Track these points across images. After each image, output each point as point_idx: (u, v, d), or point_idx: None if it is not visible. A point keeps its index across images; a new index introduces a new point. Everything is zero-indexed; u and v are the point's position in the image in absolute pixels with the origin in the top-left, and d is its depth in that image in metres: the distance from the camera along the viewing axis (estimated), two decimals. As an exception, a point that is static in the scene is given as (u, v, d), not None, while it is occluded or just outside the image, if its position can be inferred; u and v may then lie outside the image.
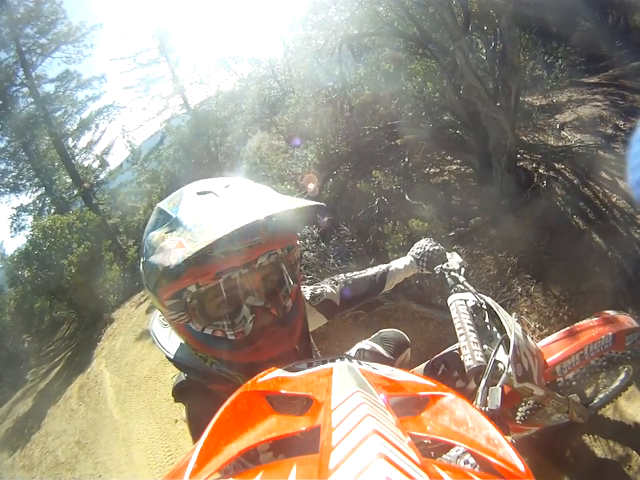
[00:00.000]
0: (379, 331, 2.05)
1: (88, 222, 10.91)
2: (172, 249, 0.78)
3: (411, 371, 1.49)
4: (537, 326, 3.03)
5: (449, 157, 4.63)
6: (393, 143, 4.85)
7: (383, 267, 1.63)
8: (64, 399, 7.21)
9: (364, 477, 0.35)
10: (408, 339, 2.00)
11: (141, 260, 0.90)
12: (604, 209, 3.68)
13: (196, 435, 0.97)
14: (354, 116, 4.82)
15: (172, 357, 1.03)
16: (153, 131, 17.05)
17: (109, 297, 10.48)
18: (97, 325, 9.81)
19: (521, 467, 0.44)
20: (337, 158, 4.84)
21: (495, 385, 1.16)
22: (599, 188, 3.88)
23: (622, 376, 2.12)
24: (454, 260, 1.60)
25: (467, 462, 0.86)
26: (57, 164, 15.84)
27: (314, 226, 3.88)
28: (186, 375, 1.04)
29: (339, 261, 3.61)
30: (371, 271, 1.61)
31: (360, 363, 0.72)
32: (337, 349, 3.45)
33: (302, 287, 1.43)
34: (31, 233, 10.40)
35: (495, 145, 3.73)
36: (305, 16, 7.69)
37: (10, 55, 14.46)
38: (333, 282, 1.52)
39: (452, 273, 1.52)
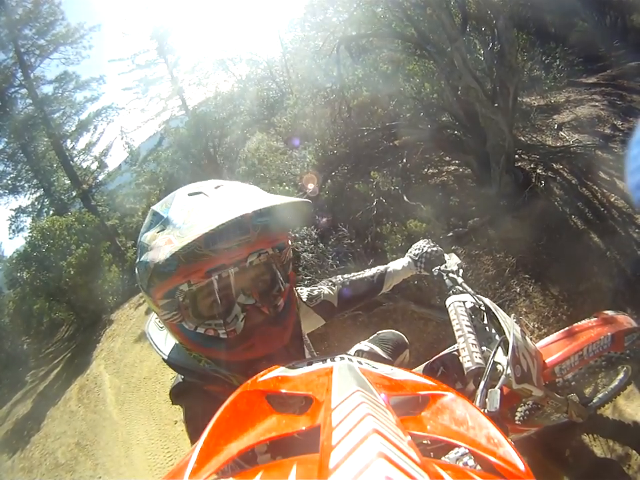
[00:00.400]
0: (378, 332, 2.04)
1: (87, 223, 10.91)
2: (162, 246, 0.80)
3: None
4: (536, 326, 3.03)
5: (447, 158, 4.63)
6: (391, 144, 4.85)
7: (381, 268, 1.63)
8: (63, 400, 7.21)
9: (364, 477, 0.35)
10: (406, 340, 2.00)
11: (136, 261, 0.91)
12: (602, 209, 3.68)
13: (194, 436, 0.97)
14: (352, 117, 4.81)
15: (168, 358, 1.03)
16: (151, 132, 17.05)
17: (108, 298, 10.47)
18: (96, 326, 9.81)
19: (521, 466, 0.44)
20: (335, 159, 4.84)
21: (494, 386, 1.15)
22: (597, 188, 3.88)
23: (621, 375, 2.12)
24: (452, 261, 1.59)
25: (466, 464, 0.86)
26: (55, 165, 15.84)
27: (312, 227, 3.88)
28: (182, 377, 1.05)
29: (338, 262, 3.61)
30: (369, 272, 1.60)
31: (360, 362, 0.72)
32: (335, 350, 3.44)
33: (299, 288, 1.44)
34: (30, 234, 10.40)
35: (493, 145, 3.73)
36: (303, 17, 7.70)
37: (8, 56, 14.48)
38: (330, 283, 1.51)
39: (450, 274, 1.52)
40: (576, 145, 4.61)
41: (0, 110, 14.40)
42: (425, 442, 1.03)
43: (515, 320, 1.42)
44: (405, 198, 3.98)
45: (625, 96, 5.85)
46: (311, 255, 3.69)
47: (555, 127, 5.07)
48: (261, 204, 0.81)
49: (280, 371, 0.70)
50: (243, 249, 0.87)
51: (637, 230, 3.50)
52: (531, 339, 1.56)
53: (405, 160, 4.49)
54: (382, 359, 1.81)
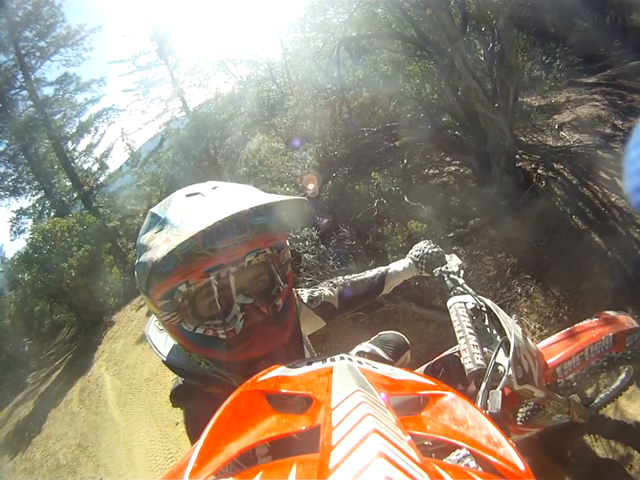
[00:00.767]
0: (379, 333, 2.04)
1: (88, 225, 10.91)
2: (159, 245, 0.80)
3: None
4: (537, 326, 3.03)
5: (447, 158, 4.63)
6: (391, 144, 4.85)
7: (382, 269, 1.62)
8: (65, 402, 7.21)
9: (364, 477, 0.35)
10: (408, 341, 2.00)
11: (135, 263, 0.91)
12: (603, 209, 3.68)
13: (194, 438, 0.97)
14: (352, 118, 4.82)
15: (168, 360, 1.03)
16: (152, 133, 17.05)
17: (109, 300, 10.47)
18: (98, 327, 9.82)
19: (521, 466, 0.44)
20: (335, 160, 4.84)
21: (495, 387, 1.15)
22: (597, 188, 3.88)
23: (622, 376, 2.12)
24: (453, 262, 1.59)
25: (467, 465, 0.86)
26: (56, 167, 15.83)
27: (313, 228, 3.89)
28: (183, 379, 1.05)
29: (339, 263, 3.61)
30: (369, 273, 1.60)
31: (360, 362, 0.71)
32: (337, 351, 3.44)
33: (300, 289, 1.43)
34: (31, 236, 10.41)
35: (493, 145, 3.73)
36: (303, 18, 7.69)
37: (9, 58, 14.49)
38: (331, 284, 1.51)
39: (451, 275, 1.52)
40: (576, 144, 4.61)
41: (1, 112, 14.40)
42: (426, 443, 1.03)
43: (516, 321, 1.42)
44: (405, 198, 3.98)
45: (626, 95, 5.85)
46: (312, 256, 3.69)
47: (556, 127, 5.07)
48: (257, 201, 0.82)
49: (280, 371, 0.70)
50: (241, 248, 0.87)
51: (637, 230, 3.49)
52: (532, 340, 1.56)
53: (405, 160, 4.49)
54: (383, 360, 1.81)
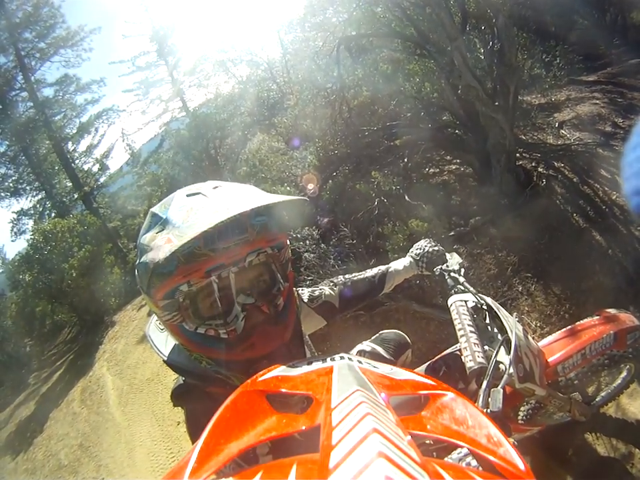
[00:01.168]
0: (380, 332, 2.04)
1: (88, 225, 10.91)
2: (161, 246, 0.80)
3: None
4: (538, 325, 3.03)
5: (448, 157, 4.63)
6: (392, 143, 4.85)
7: (383, 268, 1.62)
8: (66, 402, 7.22)
9: (364, 476, 0.35)
10: (409, 340, 2.00)
11: (136, 263, 0.92)
12: (604, 207, 3.68)
13: (195, 438, 0.96)
14: (352, 117, 4.82)
15: (169, 360, 1.04)
16: (152, 134, 16.99)
17: (110, 300, 10.47)
18: (99, 328, 9.82)
19: (521, 465, 0.44)
20: (336, 159, 4.84)
21: (497, 386, 1.15)
22: (598, 186, 3.88)
23: (624, 374, 2.11)
24: (454, 260, 1.59)
25: (469, 464, 0.86)
26: (57, 168, 15.84)
27: (314, 227, 3.89)
28: (183, 379, 1.05)
29: (339, 262, 3.61)
30: (370, 272, 1.60)
31: (360, 362, 0.71)
32: (338, 350, 3.43)
33: (300, 289, 1.43)
34: (32, 237, 10.41)
35: (493, 144, 3.73)
36: (303, 17, 7.69)
37: (9, 60, 14.48)
38: (332, 284, 1.51)
39: (452, 274, 1.52)
40: (577, 143, 4.61)
41: (1, 113, 14.40)
42: (427, 442, 1.03)
43: (517, 319, 1.42)
44: (406, 197, 3.98)
45: (626, 93, 5.84)
46: (312, 255, 3.69)
47: (556, 126, 5.06)
48: (258, 202, 0.82)
49: (280, 371, 0.70)
50: (242, 248, 0.88)
51: (638, 228, 3.49)
52: (533, 338, 1.56)
53: (406, 159, 4.49)
54: (384, 359, 1.81)
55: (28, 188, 15.46)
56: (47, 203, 15.64)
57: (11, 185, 15.16)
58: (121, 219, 14.78)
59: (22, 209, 15.30)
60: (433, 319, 3.39)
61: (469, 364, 1.20)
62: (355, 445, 0.40)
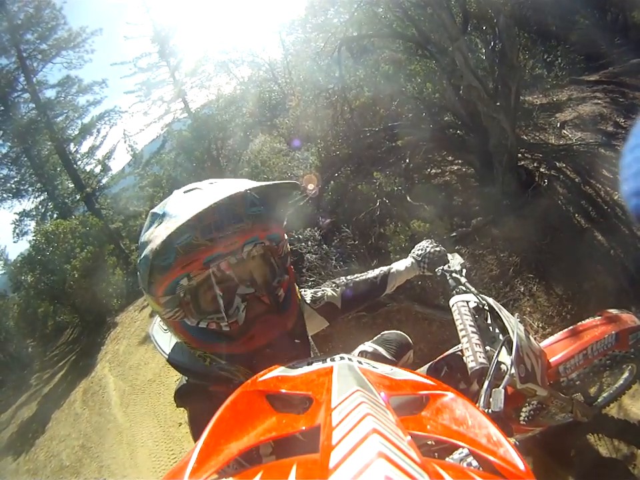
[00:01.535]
0: (381, 333, 2.04)
1: (90, 227, 10.94)
2: (158, 235, 0.82)
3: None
4: (540, 325, 3.03)
5: (450, 158, 4.62)
6: (393, 144, 4.85)
7: (384, 268, 1.62)
8: (68, 403, 7.23)
9: (364, 476, 0.35)
10: (410, 341, 2.00)
11: (137, 262, 0.93)
12: (606, 207, 3.67)
13: (198, 438, 0.97)
14: (354, 118, 4.82)
15: (172, 360, 1.04)
16: (154, 135, 16.96)
17: (112, 301, 10.49)
18: (101, 329, 9.83)
19: (521, 466, 0.44)
20: (337, 160, 4.85)
21: (498, 386, 1.15)
22: (600, 186, 3.87)
23: (626, 374, 2.11)
24: (455, 261, 1.59)
25: (469, 465, 0.86)
26: (59, 169, 15.88)
27: (316, 228, 3.89)
28: (187, 379, 1.05)
29: (341, 263, 3.61)
30: (372, 273, 1.60)
31: (360, 362, 0.72)
32: (340, 351, 3.43)
33: (303, 290, 1.44)
34: (34, 238, 10.43)
35: (495, 144, 3.72)
36: (304, 18, 7.71)
37: (11, 61, 14.51)
38: (334, 285, 1.51)
39: (453, 274, 1.52)
40: (579, 143, 4.60)
41: (3, 114, 14.44)
42: (429, 442, 1.03)
43: (518, 319, 1.41)
44: (408, 198, 3.98)
45: (627, 93, 5.84)
46: (314, 256, 3.69)
47: (558, 126, 5.06)
48: (250, 185, 0.87)
49: (280, 371, 0.70)
50: (238, 237, 0.89)
51: (640, 228, 3.50)
52: (535, 339, 1.55)
53: (407, 160, 4.49)
54: (386, 360, 1.81)
55: (30, 189, 15.51)
56: (49, 204, 15.69)
57: (13, 186, 15.21)
58: (123, 220, 14.77)
59: (24, 210, 15.36)
60: (434, 319, 3.38)
61: (471, 364, 1.20)
62: (354, 445, 0.40)
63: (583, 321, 1.84)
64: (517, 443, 0.60)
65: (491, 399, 1.11)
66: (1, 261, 14.02)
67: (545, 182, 3.92)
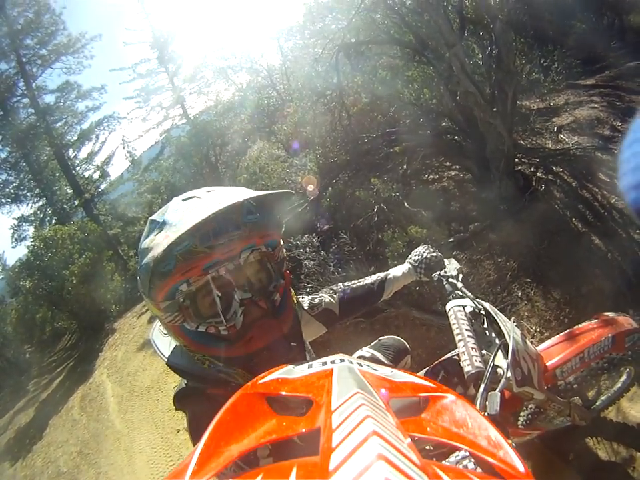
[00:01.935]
0: (379, 338, 2.05)
1: (89, 232, 10.93)
2: (159, 243, 0.86)
3: None
4: (538, 330, 3.03)
5: (447, 163, 4.63)
6: (391, 150, 4.85)
7: (382, 274, 1.64)
8: (66, 409, 7.20)
9: (363, 479, 0.35)
10: (408, 346, 2.01)
11: (138, 268, 0.96)
12: (603, 211, 3.69)
13: (197, 441, 0.98)
14: (352, 124, 4.84)
15: (171, 363, 1.06)
16: (153, 141, 17.04)
17: (111, 307, 10.47)
18: (99, 335, 9.80)
19: (521, 467, 0.45)
20: (335, 166, 4.86)
21: (495, 389, 1.15)
22: (597, 190, 3.89)
23: (624, 377, 2.11)
24: (452, 266, 1.61)
25: (465, 467, 0.86)
26: (57, 175, 15.88)
27: (314, 234, 3.90)
28: (186, 382, 1.07)
29: (339, 269, 3.62)
30: (369, 279, 1.61)
31: (360, 364, 0.72)
32: (338, 356, 3.42)
33: (301, 297, 1.46)
34: (32, 243, 10.43)
35: (492, 149, 3.74)
36: (302, 25, 7.74)
37: (10, 66, 14.56)
38: (331, 291, 1.53)
39: (450, 279, 1.53)
40: (575, 147, 4.62)
41: (2, 119, 14.47)
42: (427, 447, 1.03)
43: (515, 324, 1.42)
44: (405, 204, 3.99)
45: (624, 97, 5.87)
46: (312, 262, 3.70)
47: (555, 130, 5.08)
48: (248, 195, 0.90)
49: (280, 373, 0.71)
50: (236, 244, 0.92)
51: (637, 231, 3.50)
52: (531, 342, 1.56)
53: (405, 166, 4.50)
54: (383, 365, 1.81)
55: (29, 194, 15.50)
56: (48, 209, 15.67)
57: (12, 191, 15.19)
58: (122, 226, 14.77)
59: (22, 215, 15.34)
60: (432, 325, 3.38)
61: (467, 368, 1.21)
62: (354, 448, 0.40)
63: (580, 325, 1.84)
64: (513, 444, 0.61)
65: (487, 402, 1.12)
66: (-1, 265, 14.02)
67: (542, 186, 3.93)
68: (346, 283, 1.59)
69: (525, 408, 1.76)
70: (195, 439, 1.01)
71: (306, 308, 1.41)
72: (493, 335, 1.35)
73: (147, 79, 16.53)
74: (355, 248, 3.73)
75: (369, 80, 4.92)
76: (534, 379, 1.36)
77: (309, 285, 3.59)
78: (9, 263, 14.06)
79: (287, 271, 1.09)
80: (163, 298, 0.90)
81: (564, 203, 3.81)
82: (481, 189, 4.05)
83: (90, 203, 15.29)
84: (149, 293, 0.93)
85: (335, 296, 1.50)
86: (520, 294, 3.25)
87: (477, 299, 1.43)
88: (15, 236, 14.83)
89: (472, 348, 1.25)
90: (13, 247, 15.28)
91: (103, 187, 16.21)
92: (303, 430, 0.50)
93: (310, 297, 1.48)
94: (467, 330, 1.30)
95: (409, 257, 1.70)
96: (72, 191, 15.70)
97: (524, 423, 1.78)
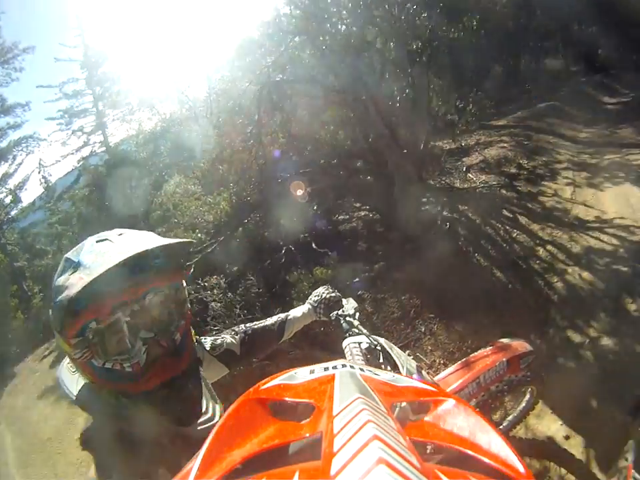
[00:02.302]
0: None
1: (-6, 262, 10.07)
2: (74, 284, 0.90)
3: None
4: (442, 362, 3.15)
5: (357, 204, 4.76)
6: (304, 190, 4.91)
7: (282, 315, 1.67)
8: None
9: None
10: None
11: (52, 304, 0.98)
12: (504, 245, 3.98)
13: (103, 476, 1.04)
14: (267, 163, 4.84)
15: (79, 401, 1.09)
16: (69, 167, 16.08)
17: (11, 348, 9.66)
18: (-3, 380, 8.94)
19: (522, 470, 0.46)
20: (248, 206, 4.82)
21: None
22: (500, 225, 4.20)
23: (527, 397, 2.21)
24: (349, 305, 1.66)
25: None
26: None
27: (222, 276, 3.86)
28: (93, 421, 1.09)
29: (245, 312, 3.59)
30: (270, 320, 1.64)
31: (362, 369, 0.72)
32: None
33: (203, 338, 1.46)
34: None
35: (400, 190, 3.90)
36: (232, 58, 7.77)
37: None
38: (233, 332, 1.55)
39: (347, 318, 1.57)
40: (482, 185, 5.00)
41: None
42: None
43: (411, 357, 1.48)
44: (313, 245, 4.04)
45: (532, 136, 6.52)
46: (219, 304, 3.65)
47: (464, 170, 5.46)
48: (154, 244, 0.98)
49: (282, 379, 0.71)
50: (142, 286, 0.99)
51: (537, 261, 3.85)
52: (428, 373, 1.62)
53: (315, 207, 4.54)
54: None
55: None
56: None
57: None
58: (28, 258, 13.65)
59: None
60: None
61: None
62: (356, 452, 0.40)
63: (475, 353, 1.94)
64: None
65: None
66: None
67: (447, 225, 4.18)
68: (247, 324, 1.61)
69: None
70: (101, 477, 1.02)
71: (208, 349, 1.42)
72: (389, 368, 1.39)
73: (72, 99, 15.68)
74: (261, 290, 3.73)
75: (287, 120, 5.00)
76: (432, 408, 1.39)
77: (215, 328, 3.54)
78: None
79: (189, 312, 1.15)
80: (74, 335, 0.94)
81: (467, 240, 4.08)
82: (388, 229, 4.23)
83: (-2, 230, 13.97)
84: (60, 330, 0.96)
85: (236, 337, 1.52)
86: (423, 329, 3.37)
87: (372, 336, 1.48)
88: None
89: (365, 381, 1.26)
90: None
91: (13, 213, 14.93)
92: (306, 435, 0.50)
93: (212, 338, 1.49)
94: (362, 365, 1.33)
95: (309, 297, 1.74)
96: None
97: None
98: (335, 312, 1.61)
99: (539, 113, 7.63)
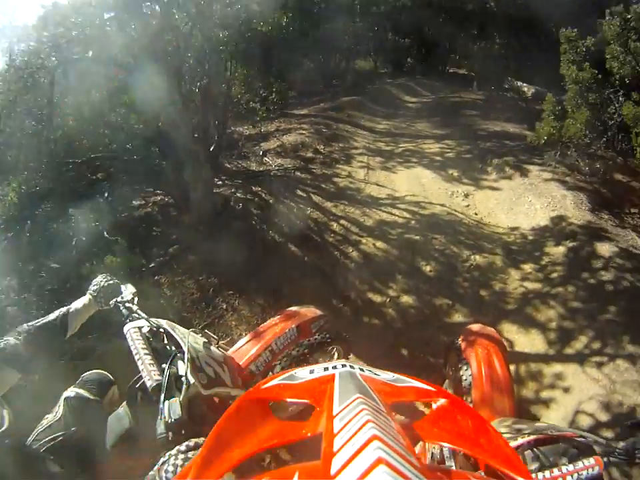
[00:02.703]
0: (82, 376, 1.96)
1: None
2: None
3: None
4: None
5: (151, 189, 4.64)
6: (95, 177, 4.56)
7: (64, 309, 1.61)
8: None
9: None
10: (111, 377, 1.97)
11: None
12: (298, 222, 4.32)
13: None
14: (58, 148, 4.36)
15: None
16: None
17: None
18: None
19: (521, 468, 0.49)
20: (37, 196, 4.28)
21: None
22: (293, 204, 4.53)
23: (335, 356, 2.39)
24: (128, 291, 1.68)
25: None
26: None
27: (14, 277, 3.43)
28: None
29: (42, 312, 3.24)
30: (52, 316, 1.57)
31: (362, 369, 0.72)
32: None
33: None
34: None
35: (191, 174, 3.92)
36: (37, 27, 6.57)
37: None
38: (16, 333, 1.45)
39: (126, 304, 1.60)
40: (277, 168, 5.30)
41: None
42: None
43: (199, 334, 1.59)
44: (105, 234, 3.82)
45: (331, 124, 7.03)
46: (14, 308, 3.25)
47: (261, 154, 5.69)
48: None
49: (282, 379, 0.69)
50: None
51: (332, 235, 4.28)
52: (218, 347, 1.72)
53: (107, 194, 4.26)
54: (90, 401, 1.75)
55: None
56: None
57: None
58: None
59: None
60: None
61: (148, 382, 1.27)
62: (355, 452, 0.41)
63: (264, 323, 2.12)
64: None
65: (169, 410, 1.18)
66: None
67: (239, 205, 4.36)
68: (30, 323, 1.52)
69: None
70: None
71: None
72: (173, 348, 1.46)
73: None
74: (56, 286, 3.42)
75: (78, 101, 4.51)
76: (225, 378, 1.51)
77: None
78: None
79: None
80: None
81: (261, 218, 4.32)
82: (182, 213, 4.24)
83: None
84: None
85: (19, 338, 1.43)
86: (225, 306, 3.48)
87: (153, 319, 1.53)
88: None
89: (149, 364, 1.33)
90: None
91: None
92: (307, 434, 0.50)
93: None
94: (143, 348, 1.38)
95: (89, 287, 1.70)
96: None
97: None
98: (114, 299, 1.62)
99: (341, 106, 8.15)
